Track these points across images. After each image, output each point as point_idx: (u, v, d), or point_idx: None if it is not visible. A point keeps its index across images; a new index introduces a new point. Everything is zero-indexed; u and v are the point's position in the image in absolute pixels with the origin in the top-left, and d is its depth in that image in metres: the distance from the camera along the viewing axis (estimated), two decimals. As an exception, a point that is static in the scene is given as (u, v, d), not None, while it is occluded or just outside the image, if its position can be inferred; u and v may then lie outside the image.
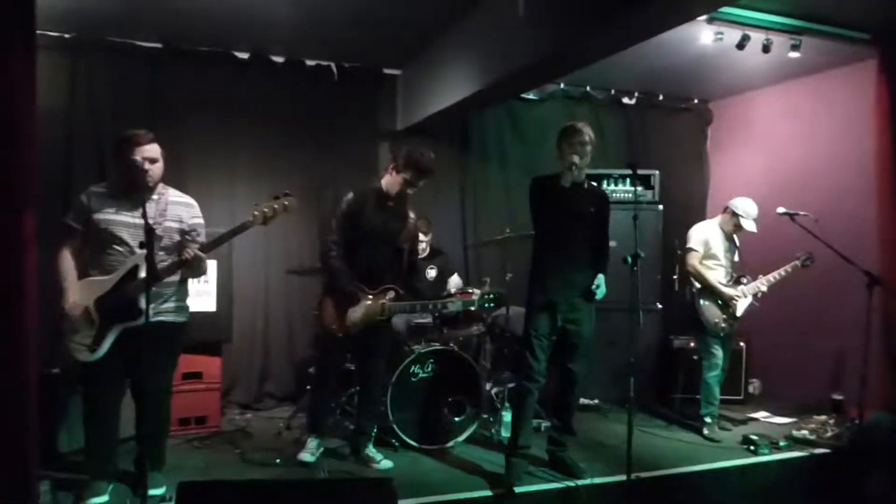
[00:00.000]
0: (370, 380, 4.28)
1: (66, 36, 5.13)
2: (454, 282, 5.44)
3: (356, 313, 4.03)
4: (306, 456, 4.16)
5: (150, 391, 3.58)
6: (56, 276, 3.47)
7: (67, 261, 3.51)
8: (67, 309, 3.42)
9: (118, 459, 3.71)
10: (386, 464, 4.19)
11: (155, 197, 3.58)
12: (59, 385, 4.16)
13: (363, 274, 4.08)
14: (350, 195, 4.15)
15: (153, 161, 3.49)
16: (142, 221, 3.22)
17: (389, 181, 4.13)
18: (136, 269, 3.44)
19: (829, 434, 4.78)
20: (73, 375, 4.04)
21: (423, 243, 5.34)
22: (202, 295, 4.82)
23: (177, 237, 3.62)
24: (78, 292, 3.46)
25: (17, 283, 2.91)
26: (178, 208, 3.64)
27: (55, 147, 5.01)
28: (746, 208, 5.01)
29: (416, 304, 4.15)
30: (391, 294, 4.10)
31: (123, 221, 3.48)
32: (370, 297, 4.06)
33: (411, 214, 4.26)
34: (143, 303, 3.27)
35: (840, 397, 5.40)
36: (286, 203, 3.58)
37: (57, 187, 4.97)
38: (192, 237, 3.66)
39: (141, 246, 3.31)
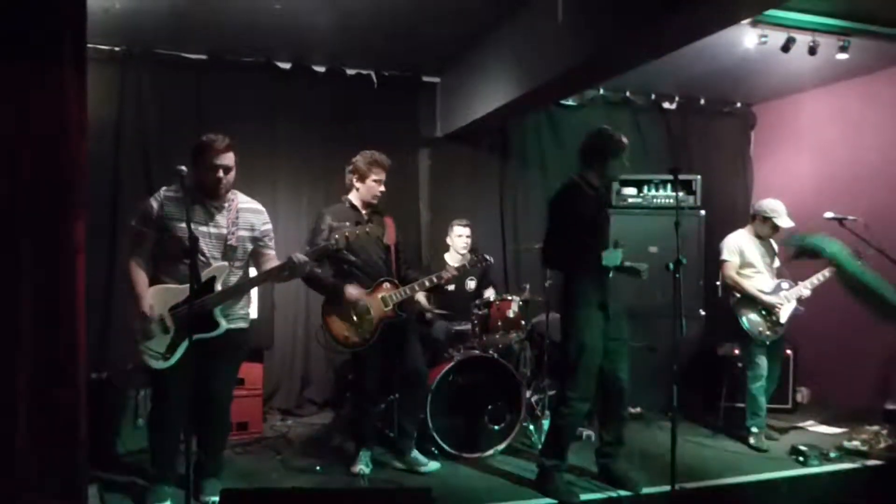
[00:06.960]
0: (410, 382, 4.26)
1: (116, 49, 5.26)
2: (489, 293, 5.41)
3: (363, 302, 4.01)
4: (360, 468, 4.13)
5: (214, 399, 3.59)
6: (128, 281, 3.44)
7: (139, 266, 3.45)
8: (147, 313, 3.36)
9: (178, 465, 3.70)
10: (433, 465, 4.20)
11: (226, 204, 3.55)
12: (105, 390, 4.28)
13: (365, 279, 4.09)
14: (326, 216, 4.13)
15: (228, 170, 3.48)
16: (217, 231, 3.47)
17: (362, 192, 4.16)
18: (212, 280, 3.41)
19: (883, 445, 4.62)
20: (137, 380, 4.15)
21: (464, 251, 5.38)
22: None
23: (249, 246, 3.61)
24: (152, 299, 3.41)
25: (71, 287, 2.98)
26: (248, 215, 3.62)
27: (103, 156, 5.12)
28: (773, 207, 4.88)
29: (414, 285, 4.16)
30: (386, 285, 4.12)
31: (200, 232, 3.41)
32: (368, 294, 4.06)
33: (385, 217, 4.30)
34: (219, 316, 3.38)
35: (893, 407, 5.23)
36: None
37: (105, 196, 5.12)
38: (264, 243, 3.65)
39: (225, 255, 3.45)
